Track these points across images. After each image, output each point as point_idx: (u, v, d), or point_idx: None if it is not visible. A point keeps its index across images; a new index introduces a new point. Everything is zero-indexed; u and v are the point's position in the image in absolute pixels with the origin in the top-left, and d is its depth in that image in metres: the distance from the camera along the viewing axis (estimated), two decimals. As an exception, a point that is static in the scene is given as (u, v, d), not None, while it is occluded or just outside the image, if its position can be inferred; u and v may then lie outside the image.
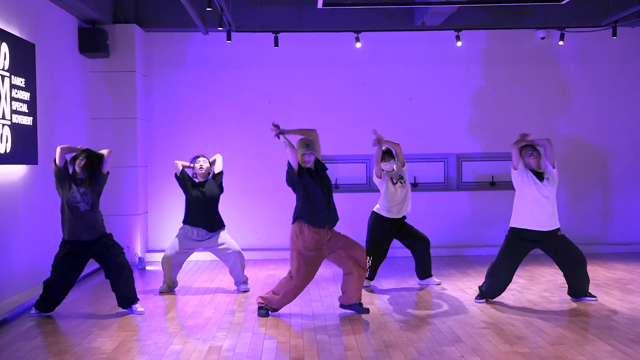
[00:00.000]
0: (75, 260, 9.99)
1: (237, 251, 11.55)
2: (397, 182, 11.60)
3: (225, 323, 9.44)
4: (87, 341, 8.63)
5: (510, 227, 10.34)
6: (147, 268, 13.89)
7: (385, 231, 11.63)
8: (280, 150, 15.00)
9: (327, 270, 13.15)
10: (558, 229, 10.20)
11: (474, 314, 9.79)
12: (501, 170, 15.66)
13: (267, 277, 12.74)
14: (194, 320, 9.60)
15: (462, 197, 15.46)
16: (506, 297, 10.80)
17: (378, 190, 11.71)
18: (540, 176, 10.14)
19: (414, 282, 12.12)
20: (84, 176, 10.04)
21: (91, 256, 10.07)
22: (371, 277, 11.64)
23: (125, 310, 10.14)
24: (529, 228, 10.14)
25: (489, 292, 10.47)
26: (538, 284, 11.80)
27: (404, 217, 11.80)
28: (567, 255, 10.23)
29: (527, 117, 15.50)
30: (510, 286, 11.54)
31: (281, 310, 10.01)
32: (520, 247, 10.28)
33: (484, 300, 10.55)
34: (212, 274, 13.28)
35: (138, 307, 10.13)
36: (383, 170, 11.62)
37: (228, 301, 10.83)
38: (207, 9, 12.14)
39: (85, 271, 12.98)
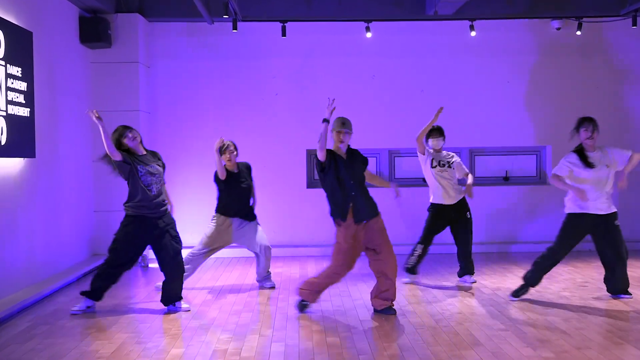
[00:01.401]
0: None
1: (267, 245, 11.23)
2: (437, 166, 11.26)
3: (231, 324, 8.98)
4: (84, 344, 8.18)
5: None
6: (149, 265, 13.44)
7: (433, 217, 11.42)
8: (288, 144, 14.66)
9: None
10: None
11: (492, 315, 9.30)
12: (515, 165, 15.22)
13: (273, 275, 12.20)
14: (197, 322, 9.14)
15: (475, 192, 14.93)
16: (524, 297, 10.31)
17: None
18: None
19: (432, 279, 11.65)
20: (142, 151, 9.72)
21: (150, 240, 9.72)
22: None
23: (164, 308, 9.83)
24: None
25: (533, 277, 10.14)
26: (556, 283, 11.33)
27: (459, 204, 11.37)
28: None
29: (542, 110, 15.07)
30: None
31: (287, 311, 9.56)
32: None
33: (518, 298, 10.11)
34: (217, 271, 12.87)
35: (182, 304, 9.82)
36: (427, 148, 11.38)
37: (234, 301, 10.38)
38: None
39: (85, 269, 12.59)
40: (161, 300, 9.78)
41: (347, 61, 15.02)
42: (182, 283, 9.85)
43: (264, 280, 11.32)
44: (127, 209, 9.64)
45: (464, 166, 11.54)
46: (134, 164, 9.47)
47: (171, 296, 9.72)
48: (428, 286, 11.25)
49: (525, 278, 10.16)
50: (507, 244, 14.82)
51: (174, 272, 9.66)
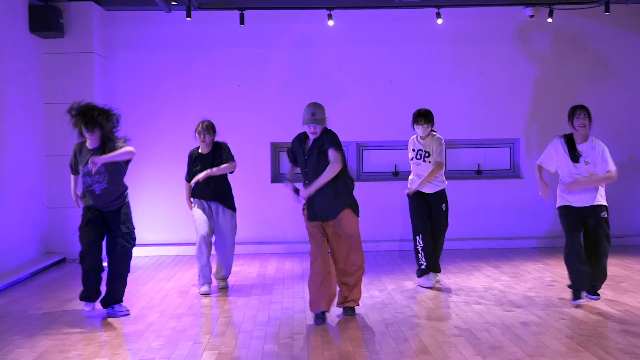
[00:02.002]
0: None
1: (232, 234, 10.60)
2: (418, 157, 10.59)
3: (167, 330, 8.40)
4: (2, 352, 7.58)
5: None
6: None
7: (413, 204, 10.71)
8: (251, 137, 14.10)
9: (297, 267, 12.19)
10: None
11: (448, 318, 8.75)
12: (488, 158, 14.66)
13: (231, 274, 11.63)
14: (132, 327, 8.57)
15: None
16: (487, 297, 9.78)
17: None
18: None
19: (394, 278, 11.10)
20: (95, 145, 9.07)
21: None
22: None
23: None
24: None
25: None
26: (523, 282, 10.75)
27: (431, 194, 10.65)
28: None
29: (514, 101, 14.50)
30: (493, 284, 10.62)
31: (232, 315, 9.00)
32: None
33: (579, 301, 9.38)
34: (171, 271, 12.30)
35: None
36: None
37: (178, 303, 9.80)
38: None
39: (35, 267, 12.05)
40: (100, 302, 9.20)
41: (311, 50, 14.42)
42: (125, 285, 9.23)
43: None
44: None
45: (438, 152, 10.65)
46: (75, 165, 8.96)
47: (109, 299, 9.13)
48: (386, 287, 10.64)
49: (570, 286, 9.49)
50: (479, 240, 14.23)
51: (115, 272, 9.07)
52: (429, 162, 10.50)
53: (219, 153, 10.50)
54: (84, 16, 13.47)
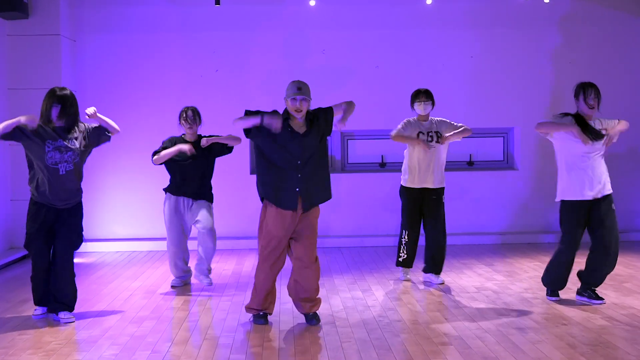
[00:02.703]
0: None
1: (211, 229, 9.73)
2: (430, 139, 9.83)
3: (125, 337, 7.57)
4: None
5: None
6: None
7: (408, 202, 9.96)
8: (228, 126, 13.29)
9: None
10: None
11: (437, 323, 7.93)
12: (480, 148, 13.93)
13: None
14: (87, 332, 7.75)
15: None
16: (479, 299, 8.98)
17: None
18: None
19: (377, 277, 10.30)
20: (62, 124, 8.19)
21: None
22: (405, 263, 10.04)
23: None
24: None
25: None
26: (518, 282, 9.96)
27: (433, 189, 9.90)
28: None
29: (509, 88, 13.85)
30: (485, 284, 9.84)
31: (199, 318, 8.19)
32: None
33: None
34: (141, 268, 11.49)
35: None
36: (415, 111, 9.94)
37: (142, 305, 8.97)
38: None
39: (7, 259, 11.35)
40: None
41: (293, 34, 13.75)
42: (74, 290, 8.42)
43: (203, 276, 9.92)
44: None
45: (455, 124, 10.03)
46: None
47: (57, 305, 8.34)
48: (369, 287, 9.84)
49: (548, 284, 8.90)
50: (470, 236, 13.51)
51: (61, 275, 8.27)
52: (442, 143, 9.77)
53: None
54: (50, -4, 12.74)
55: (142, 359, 6.79)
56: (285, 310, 8.53)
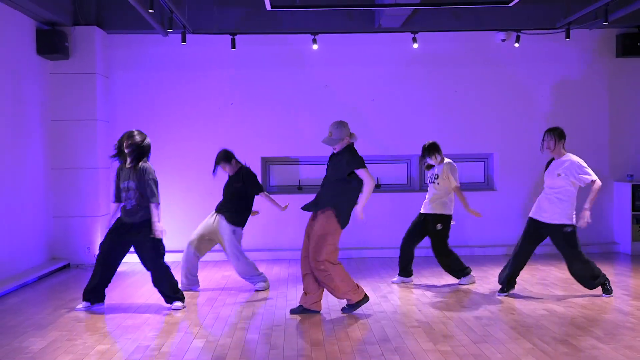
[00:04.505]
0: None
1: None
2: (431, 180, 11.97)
3: (161, 323, 9.47)
4: (18, 340, 8.66)
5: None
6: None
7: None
8: (244, 152, 15.13)
9: (284, 271, 13.24)
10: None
11: (411, 313, 9.85)
12: (464, 172, 15.66)
13: (221, 277, 12.73)
14: (131, 321, 9.62)
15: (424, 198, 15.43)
16: (451, 297, 10.87)
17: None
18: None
19: (370, 282, 12.13)
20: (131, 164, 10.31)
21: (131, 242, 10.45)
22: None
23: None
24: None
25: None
26: (487, 284, 11.84)
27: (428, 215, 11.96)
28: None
29: (488, 119, 15.55)
30: (459, 286, 11.69)
31: (222, 312, 10.10)
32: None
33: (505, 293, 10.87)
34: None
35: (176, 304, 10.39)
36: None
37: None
38: (150, 10, 12.03)
39: (42, 272, 13.06)
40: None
41: (299, 72, 15.46)
42: (170, 283, 10.46)
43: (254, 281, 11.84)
44: None
45: (451, 178, 11.97)
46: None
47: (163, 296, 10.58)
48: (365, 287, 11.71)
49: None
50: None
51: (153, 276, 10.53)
52: (443, 186, 12.01)
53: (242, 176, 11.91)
54: (87, 39, 14.51)
55: (178, 338, 8.69)
56: (292, 304, 10.41)
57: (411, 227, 12.05)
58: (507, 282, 10.88)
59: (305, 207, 9.92)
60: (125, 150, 10.19)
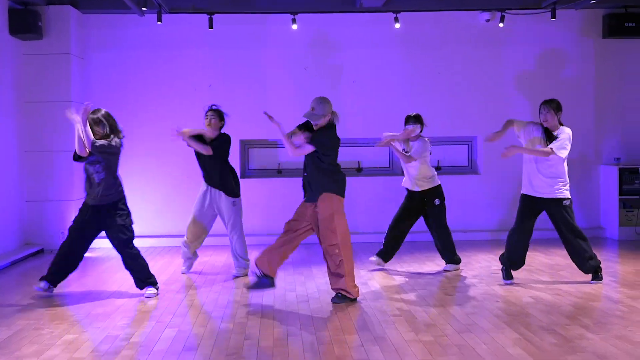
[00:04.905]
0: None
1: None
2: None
3: (133, 311, 9.14)
4: (-19, 330, 8.31)
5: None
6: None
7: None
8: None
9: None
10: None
11: (391, 301, 9.53)
12: (447, 155, 15.42)
13: (199, 263, 12.38)
14: (102, 309, 9.29)
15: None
16: (433, 284, 10.58)
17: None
18: None
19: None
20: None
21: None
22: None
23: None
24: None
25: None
26: (470, 271, 11.54)
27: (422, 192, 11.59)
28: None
29: (472, 101, 15.28)
30: (443, 273, 11.45)
31: (196, 300, 9.77)
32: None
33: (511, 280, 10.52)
34: (152, 261, 12.92)
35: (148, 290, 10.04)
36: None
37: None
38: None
39: (13, 257, 12.74)
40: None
41: (278, 53, 15.15)
42: (142, 267, 10.14)
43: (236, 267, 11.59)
44: None
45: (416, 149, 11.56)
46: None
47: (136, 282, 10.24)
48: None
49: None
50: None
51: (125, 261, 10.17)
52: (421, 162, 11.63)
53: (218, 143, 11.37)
54: (61, 19, 14.12)
55: (149, 328, 8.35)
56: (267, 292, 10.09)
57: (403, 208, 11.66)
58: (515, 263, 10.55)
59: (308, 199, 9.58)
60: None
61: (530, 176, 10.35)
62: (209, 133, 11.25)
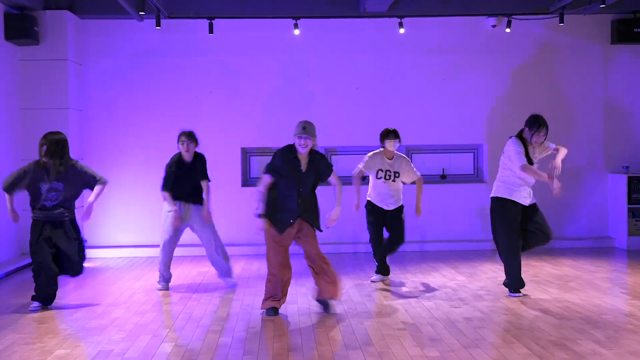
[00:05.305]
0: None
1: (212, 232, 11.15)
2: (386, 178, 11.27)
3: (130, 324, 8.82)
4: (-29, 345, 8.01)
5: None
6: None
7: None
8: (222, 142, 14.53)
9: (264, 268, 12.62)
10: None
11: (397, 313, 9.21)
12: (452, 163, 15.14)
13: (197, 274, 12.14)
14: (97, 322, 8.99)
15: (411, 190, 14.81)
16: (438, 295, 10.26)
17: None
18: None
19: (354, 277, 11.54)
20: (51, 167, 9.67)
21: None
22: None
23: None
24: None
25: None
26: (476, 281, 11.23)
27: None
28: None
29: (478, 108, 15.00)
30: (447, 283, 11.12)
31: (193, 312, 9.47)
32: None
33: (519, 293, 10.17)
34: (142, 271, 12.69)
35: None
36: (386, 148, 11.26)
37: (144, 301, 10.22)
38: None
39: (9, 268, 12.47)
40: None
41: (280, 59, 14.88)
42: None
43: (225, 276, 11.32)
44: None
45: (413, 170, 11.41)
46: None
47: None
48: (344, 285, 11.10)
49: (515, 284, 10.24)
50: (441, 242, 14.69)
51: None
52: (400, 181, 11.26)
53: (200, 164, 11.04)
54: (58, 24, 13.87)
55: (145, 342, 8.04)
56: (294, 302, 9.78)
57: (378, 227, 11.39)
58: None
59: (315, 225, 9.39)
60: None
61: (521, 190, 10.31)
62: (187, 158, 10.99)
